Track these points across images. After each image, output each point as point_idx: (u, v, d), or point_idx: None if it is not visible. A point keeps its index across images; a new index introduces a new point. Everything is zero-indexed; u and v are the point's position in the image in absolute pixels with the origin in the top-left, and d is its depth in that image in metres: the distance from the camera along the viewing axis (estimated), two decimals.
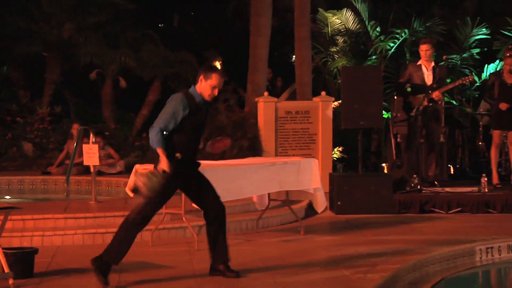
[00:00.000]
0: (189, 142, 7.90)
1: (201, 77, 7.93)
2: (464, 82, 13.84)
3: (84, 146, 12.29)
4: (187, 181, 8.06)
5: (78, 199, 13.21)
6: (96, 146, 12.17)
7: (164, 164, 7.67)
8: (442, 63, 13.87)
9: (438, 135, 13.72)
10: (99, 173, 14.35)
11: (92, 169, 12.29)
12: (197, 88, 7.95)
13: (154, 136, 7.70)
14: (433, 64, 13.50)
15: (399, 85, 13.87)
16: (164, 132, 7.71)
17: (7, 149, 17.94)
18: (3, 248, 8.02)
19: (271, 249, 9.95)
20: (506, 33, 17.75)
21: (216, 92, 7.98)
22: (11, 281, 7.85)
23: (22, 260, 8.26)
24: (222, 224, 8.21)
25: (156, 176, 7.65)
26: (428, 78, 13.42)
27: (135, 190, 7.88)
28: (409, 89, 13.58)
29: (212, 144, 8.38)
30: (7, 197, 14.88)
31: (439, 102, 13.42)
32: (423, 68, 13.51)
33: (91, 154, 12.02)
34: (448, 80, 14.33)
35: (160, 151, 7.69)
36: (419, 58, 13.78)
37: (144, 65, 19.35)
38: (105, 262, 7.71)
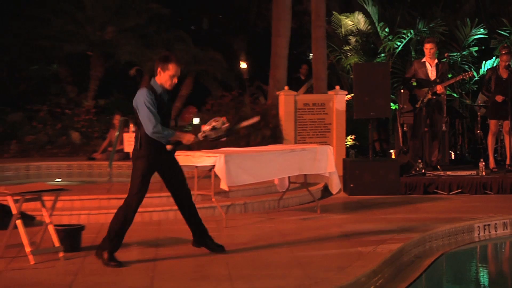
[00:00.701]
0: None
1: (159, 69, 7.66)
2: (464, 77, 13.83)
3: (125, 135, 12.33)
4: (160, 167, 7.87)
5: (120, 181, 13.24)
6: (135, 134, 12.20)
7: (186, 137, 7.66)
8: (444, 60, 13.83)
9: (440, 124, 13.68)
10: None
11: (131, 155, 12.32)
12: (157, 80, 7.69)
13: (159, 131, 7.53)
14: (436, 61, 13.50)
15: (406, 79, 13.85)
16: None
17: (57, 137, 18.02)
18: (54, 225, 8.09)
19: (290, 226, 9.96)
20: (501, 32, 17.67)
21: (175, 80, 7.72)
22: (61, 254, 7.92)
23: (71, 236, 8.32)
24: (192, 206, 8.08)
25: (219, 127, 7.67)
26: (432, 74, 13.41)
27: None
28: (414, 83, 13.57)
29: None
30: (58, 180, 14.96)
31: (442, 95, 13.39)
32: (427, 64, 13.49)
33: (130, 142, 12.02)
34: (450, 75, 14.28)
35: (175, 136, 7.62)
36: (423, 55, 13.74)
37: None
38: (109, 251, 7.61)
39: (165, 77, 7.67)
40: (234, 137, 14.47)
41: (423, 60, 13.59)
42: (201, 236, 8.15)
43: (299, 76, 19.74)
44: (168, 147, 7.66)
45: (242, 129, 8.58)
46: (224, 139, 8.01)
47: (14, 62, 21.16)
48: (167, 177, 7.98)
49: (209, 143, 13.55)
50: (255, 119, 8.21)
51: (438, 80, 13.28)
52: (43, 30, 19.66)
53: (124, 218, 7.75)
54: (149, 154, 7.67)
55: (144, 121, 7.55)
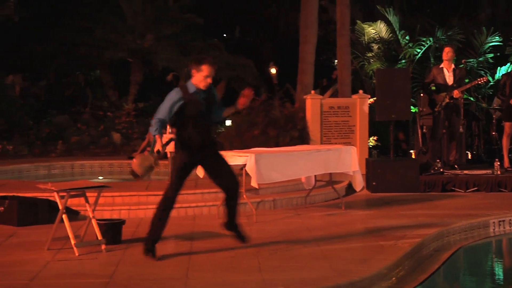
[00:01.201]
0: (193, 130, 7.64)
1: (193, 71, 7.64)
2: (480, 82, 13.74)
3: (163, 136, 12.34)
4: (203, 164, 7.89)
5: (157, 179, 13.29)
6: (172, 136, 12.21)
7: (158, 145, 7.53)
8: (461, 65, 13.74)
9: (458, 126, 13.61)
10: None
11: (168, 155, 12.35)
12: (192, 81, 7.66)
13: (153, 124, 7.54)
14: (453, 66, 13.42)
15: (425, 85, 13.80)
16: (163, 121, 7.55)
17: (100, 138, 18.11)
18: (97, 220, 8.13)
19: (316, 221, 9.94)
20: None
21: (209, 80, 7.66)
22: (103, 247, 7.96)
23: (112, 230, 8.36)
24: (235, 197, 8.02)
25: (150, 157, 7.57)
26: (449, 79, 13.34)
27: (132, 173, 7.64)
28: (433, 88, 13.50)
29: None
30: (100, 177, 15.04)
31: (459, 99, 13.33)
32: (445, 70, 13.41)
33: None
34: (466, 80, 14.18)
35: (157, 137, 7.53)
36: (442, 62, 13.67)
37: None
38: (151, 242, 7.65)
39: (199, 78, 7.64)
40: (264, 138, 14.48)
41: (441, 66, 13.52)
42: (231, 224, 8.19)
43: (332, 77, 19.71)
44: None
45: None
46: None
47: (61, 68, 21.33)
48: (210, 171, 7.99)
49: (241, 143, 13.62)
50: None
51: (455, 85, 13.21)
52: (87, 39, 19.79)
53: (161, 208, 7.77)
54: (187, 148, 7.69)
55: (158, 109, 7.60)
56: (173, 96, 7.57)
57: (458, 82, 13.28)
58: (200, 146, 7.70)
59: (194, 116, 7.61)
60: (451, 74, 13.36)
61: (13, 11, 23.12)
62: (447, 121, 13.45)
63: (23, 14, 22.99)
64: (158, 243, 7.69)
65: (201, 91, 7.67)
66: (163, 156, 7.72)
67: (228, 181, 7.96)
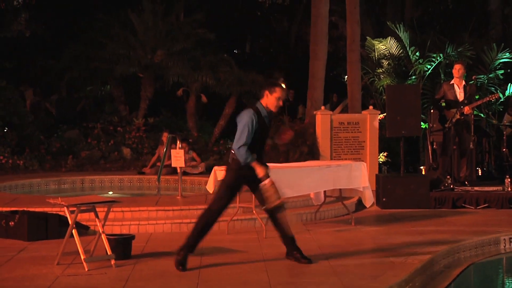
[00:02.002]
0: (254, 150, 7.77)
1: (266, 92, 7.84)
2: (491, 99, 13.74)
3: (172, 151, 12.37)
4: (251, 183, 7.96)
5: (167, 194, 13.30)
6: (182, 151, 12.24)
7: (260, 172, 7.71)
8: (472, 82, 13.72)
9: (468, 142, 13.58)
10: (184, 173, 14.43)
11: (178, 170, 12.37)
12: (263, 102, 7.86)
13: (243, 153, 7.67)
14: (464, 83, 13.41)
15: (435, 101, 13.80)
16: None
17: (110, 153, 18.12)
18: (106, 235, 8.13)
19: (326, 237, 9.92)
20: None
21: (281, 103, 7.88)
22: (113, 262, 7.96)
23: (122, 245, 8.36)
24: (277, 215, 8.08)
25: (267, 188, 7.69)
26: (460, 95, 13.32)
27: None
28: (443, 104, 13.48)
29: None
30: (110, 192, 15.05)
31: (469, 115, 13.31)
32: (455, 86, 13.40)
33: (178, 157, 12.10)
34: (477, 97, 14.15)
35: (253, 164, 7.70)
36: (452, 78, 13.67)
37: (221, 84, 19.44)
38: (185, 250, 7.74)
39: (272, 100, 7.83)
40: (274, 154, 14.47)
41: (451, 82, 13.50)
42: (291, 245, 8.15)
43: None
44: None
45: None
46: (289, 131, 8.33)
47: (72, 82, 21.38)
48: (255, 191, 8.10)
49: None
50: (289, 133, 8.30)
51: (466, 102, 13.20)
52: (99, 53, 19.84)
53: (205, 221, 7.91)
54: (237, 168, 7.80)
55: (237, 136, 7.72)
56: (250, 120, 7.70)
57: (468, 98, 13.27)
58: (251, 167, 7.82)
59: (259, 138, 7.81)
60: (462, 90, 13.34)
61: (24, 27, 23.27)
62: (457, 137, 13.43)
63: (35, 29, 23.12)
64: (167, 257, 7.69)
65: (269, 114, 7.89)
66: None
67: None
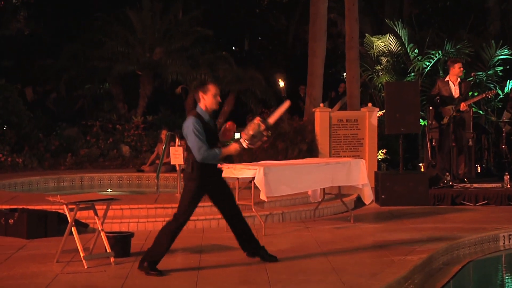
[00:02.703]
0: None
1: (200, 94, 7.67)
2: (488, 95, 13.71)
3: (171, 148, 12.36)
4: (210, 190, 7.84)
5: (166, 192, 13.30)
6: (181, 148, 12.23)
7: (233, 149, 7.63)
8: (470, 79, 13.71)
9: (465, 139, 13.59)
10: (183, 171, 14.40)
11: (177, 168, 12.37)
12: (201, 105, 7.68)
13: (208, 156, 7.51)
14: (459, 80, 13.42)
15: (430, 97, 13.82)
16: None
17: (109, 151, 18.13)
18: (106, 232, 8.13)
19: (325, 235, 9.92)
20: None
21: (218, 98, 7.68)
22: (112, 259, 7.96)
23: (121, 242, 8.36)
24: (242, 222, 8.00)
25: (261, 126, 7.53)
26: (456, 92, 13.36)
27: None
28: (438, 101, 13.50)
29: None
30: (109, 190, 15.06)
31: (466, 112, 13.32)
32: (451, 83, 13.43)
33: (176, 155, 12.09)
34: (476, 94, 14.13)
35: (224, 153, 7.62)
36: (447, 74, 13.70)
37: (220, 81, 19.44)
38: (150, 263, 7.52)
39: (209, 99, 7.67)
40: (273, 151, 14.47)
41: (446, 79, 13.53)
42: (253, 248, 8.06)
43: (337, 93, 19.72)
44: (219, 166, 7.66)
45: (277, 120, 8.40)
46: (265, 138, 7.77)
47: (71, 81, 21.39)
48: (216, 198, 7.97)
49: (250, 156, 13.59)
50: (286, 105, 8.04)
51: (461, 98, 13.21)
52: (98, 52, 19.86)
53: (170, 233, 7.69)
54: (200, 177, 7.65)
55: (193, 148, 7.53)
56: (197, 126, 7.55)
57: (463, 95, 13.29)
58: (212, 172, 7.74)
59: (210, 141, 7.59)
60: (457, 87, 13.37)
61: (23, 25, 23.26)
62: (455, 134, 13.43)
63: (34, 27, 23.12)
64: (166, 255, 7.67)
65: (211, 117, 7.77)
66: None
67: (231, 209, 7.98)
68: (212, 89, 7.65)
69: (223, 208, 8.02)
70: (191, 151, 7.59)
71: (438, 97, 13.48)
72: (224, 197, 7.94)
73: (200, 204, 10.70)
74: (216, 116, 20.12)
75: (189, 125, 7.58)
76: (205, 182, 7.67)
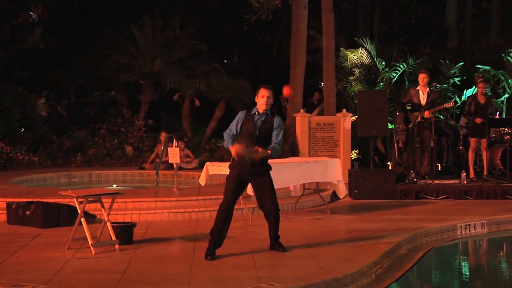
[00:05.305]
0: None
1: (256, 98, 7.74)
2: (447, 106, 13.76)
3: (169, 148, 12.34)
4: (249, 179, 7.76)
5: (165, 187, 13.27)
6: (178, 148, 12.22)
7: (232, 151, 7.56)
8: (433, 88, 13.77)
9: (429, 141, 13.63)
10: (180, 168, 14.39)
11: (174, 166, 12.35)
12: (257, 106, 7.72)
13: (224, 137, 7.69)
14: (428, 89, 13.49)
15: (402, 104, 13.91)
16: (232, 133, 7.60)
17: (114, 151, 18.06)
18: (111, 223, 8.11)
19: (305, 225, 9.93)
20: (479, 66, 17.67)
21: (265, 99, 7.60)
22: (117, 246, 7.94)
23: (125, 231, 8.34)
24: (275, 219, 7.88)
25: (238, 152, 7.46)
26: (424, 100, 13.42)
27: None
28: (409, 107, 13.54)
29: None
30: (114, 185, 15.01)
31: (430, 118, 13.39)
32: (420, 92, 13.49)
33: (174, 154, 12.08)
34: (438, 101, 14.18)
35: (230, 146, 7.57)
36: (416, 84, 13.76)
37: (213, 90, 19.40)
38: (206, 249, 7.54)
39: (258, 100, 7.70)
40: None
41: (417, 88, 13.59)
42: (272, 240, 7.99)
43: (313, 101, 19.75)
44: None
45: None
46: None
47: (81, 89, 21.33)
48: (254, 188, 7.90)
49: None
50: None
51: (427, 106, 13.30)
52: (105, 63, 19.77)
53: (217, 215, 7.69)
54: (236, 166, 7.66)
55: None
56: (237, 117, 7.76)
57: (430, 103, 13.38)
58: (250, 165, 7.57)
59: (245, 132, 7.58)
60: (426, 96, 13.44)
61: (38, 39, 23.17)
62: (419, 136, 13.49)
63: (48, 41, 23.04)
64: (165, 242, 7.64)
65: (263, 114, 7.67)
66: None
67: (267, 204, 7.81)
68: (261, 91, 7.67)
69: (258, 199, 7.88)
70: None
71: (409, 104, 13.57)
72: (259, 190, 7.80)
73: (194, 198, 10.76)
74: (209, 119, 20.09)
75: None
76: (241, 171, 7.62)
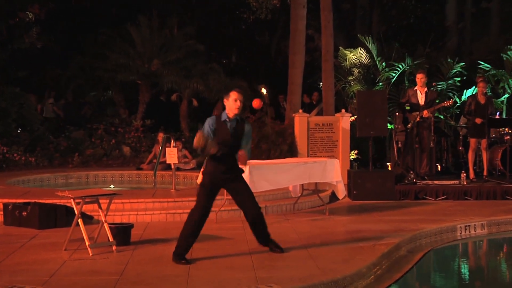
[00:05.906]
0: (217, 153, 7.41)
1: (224, 101, 7.60)
2: (446, 104, 13.79)
3: (167, 149, 12.34)
4: (223, 185, 7.70)
5: (162, 188, 13.27)
6: (176, 149, 12.21)
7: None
8: (432, 88, 13.78)
9: (428, 141, 13.65)
10: (178, 169, 14.39)
11: (172, 166, 12.35)
12: (226, 110, 7.61)
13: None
14: (426, 89, 13.51)
15: (401, 104, 13.91)
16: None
17: (111, 151, 18.05)
18: (108, 223, 8.11)
19: (304, 226, 9.93)
20: (480, 62, 17.71)
21: (238, 103, 7.52)
22: (114, 248, 7.94)
23: (122, 232, 8.34)
24: (259, 221, 7.83)
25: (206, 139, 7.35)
26: (422, 100, 13.44)
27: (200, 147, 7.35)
28: (407, 108, 13.54)
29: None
30: (111, 186, 15.00)
31: (429, 118, 13.40)
32: (418, 92, 13.51)
33: (172, 155, 12.07)
34: (437, 101, 14.18)
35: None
36: (415, 84, 13.77)
37: (210, 90, 19.39)
38: (178, 254, 7.43)
39: (230, 104, 7.55)
40: (257, 151, 14.46)
41: (415, 88, 13.61)
42: (264, 240, 7.95)
43: (312, 101, 19.75)
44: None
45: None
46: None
47: (79, 89, 21.31)
48: (230, 194, 7.85)
49: None
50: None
51: (425, 106, 13.30)
52: (102, 63, 19.76)
53: (187, 223, 7.61)
54: (210, 172, 7.56)
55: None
56: (209, 122, 7.54)
57: (429, 103, 13.39)
58: (222, 168, 7.52)
59: (220, 141, 7.44)
60: (424, 95, 13.46)
61: (35, 39, 23.16)
62: (418, 137, 13.50)
63: (45, 41, 23.02)
64: (161, 244, 7.63)
65: (233, 120, 7.58)
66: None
67: (247, 207, 7.78)
68: (232, 95, 7.56)
69: (238, 204, 7.84)
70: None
71: (407, 104, 13.57)
72: (237, 194, 7.76)
73: (192, 199, 10.70)
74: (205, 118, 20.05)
75: (206, 120, 7.57)
76: (216, 177, 7.53)
